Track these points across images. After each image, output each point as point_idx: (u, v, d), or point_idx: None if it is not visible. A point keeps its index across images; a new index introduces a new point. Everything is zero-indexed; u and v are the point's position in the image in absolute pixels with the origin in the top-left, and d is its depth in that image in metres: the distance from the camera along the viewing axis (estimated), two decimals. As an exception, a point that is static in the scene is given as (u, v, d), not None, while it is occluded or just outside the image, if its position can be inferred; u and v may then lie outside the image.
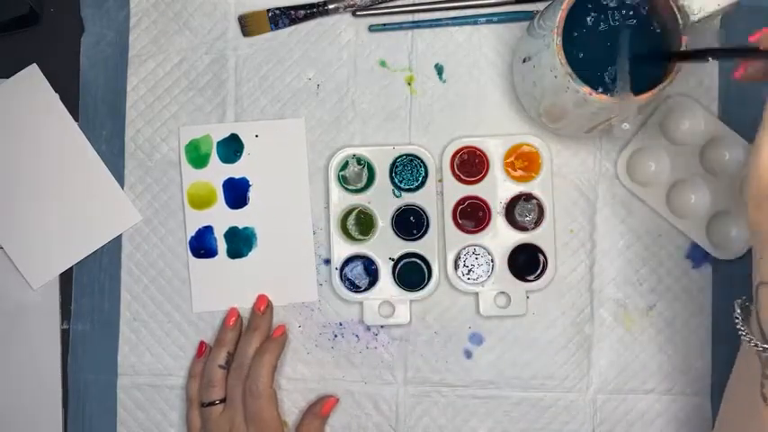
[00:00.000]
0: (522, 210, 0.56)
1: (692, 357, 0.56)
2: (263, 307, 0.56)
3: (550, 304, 0.57)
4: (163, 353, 0.58)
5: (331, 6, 0.57)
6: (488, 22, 0.57)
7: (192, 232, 0.57)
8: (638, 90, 0.45)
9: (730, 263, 0.56)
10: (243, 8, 0.58)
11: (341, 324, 0.57)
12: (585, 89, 0.45)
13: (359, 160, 0.57)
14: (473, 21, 0.57)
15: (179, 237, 0.58)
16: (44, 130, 0.58)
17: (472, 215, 0.56)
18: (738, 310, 0.43)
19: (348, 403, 0.57)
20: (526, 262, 0.56)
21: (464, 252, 0.56)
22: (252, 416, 0.52)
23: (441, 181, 0.56)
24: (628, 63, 0.46)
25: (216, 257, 0.57)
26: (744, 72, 0.43)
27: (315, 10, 0.57)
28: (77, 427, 0.58)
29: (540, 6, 0.57)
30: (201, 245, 0.57)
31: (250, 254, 0.57)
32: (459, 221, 0.56)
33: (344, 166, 0.57)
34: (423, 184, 0.56)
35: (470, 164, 0.56)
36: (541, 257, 0.56)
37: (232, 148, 0.58)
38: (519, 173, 0.56)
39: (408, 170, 0.57)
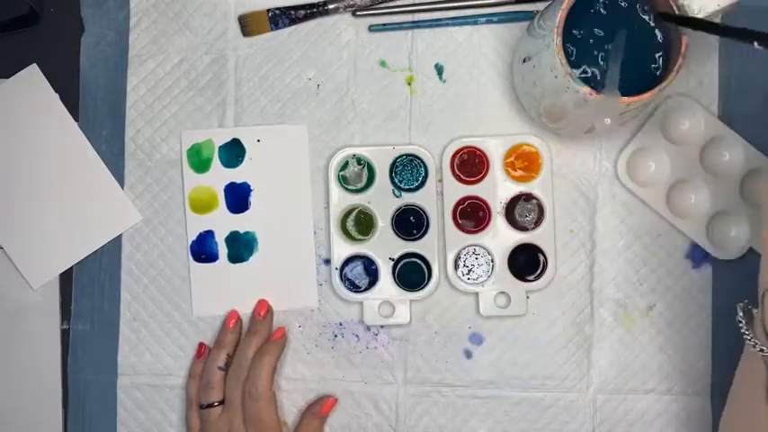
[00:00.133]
0: (522, 210, 0.56)
1: (692, 357, 0.56)
2: (264, 312, 0.56)
3: (550, 304, 0.57)
4: (163, 353, 0.58)
5: (331, 6, 0.57)
6: (488, 22, 0.57)
7: (193, 236, 0.57)
8: (634, 91, 0.45)
9: (730, 263, 0.56)
10: (243, 8, 0.58)
11: (341, 324, 0.57)
12: (585, 89, 0.45)
13: (359, 160, 0.57)
14: (473, 21, 0.57)
15: (179, 237, 0.58)
16: (44, 130, 0.58)
17: (472, 215, 0.56)
18: (741, 314, 0.44)
19: (348, 403, 0.57)
20: (526, 262, 0.56)
21: (464, 252, 0.56)
22: (251, 418, 0.52)
23: (441, 181, 0.56)
24: (620, 62, 0.46)
25: (217, 262, 0.57)
26: None
27: (315, 10, 0.57)
28: (77, 427, 0.58)
29: (540, 6, 0.57)
30: (202, 249, 0.57)
31: (251, 258, 0.57)
32: (459, 221, 0.56)
33: (344, 166, 0.57)
34: (423, 184, 0.56)
35: (470, 164, 0.56)
36: (541, 257, 0.56)
37: (234, 152, 0.58)
38: (519, 173, 0.56)
39: (408, 170, 0.57)
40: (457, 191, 0.56)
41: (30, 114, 0.58)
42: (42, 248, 0.58)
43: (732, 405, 0.46)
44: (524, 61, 0.51)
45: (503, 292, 0.56)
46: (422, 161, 0.56)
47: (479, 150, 0.56)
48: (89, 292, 0.58)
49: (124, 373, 0.58)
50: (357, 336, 0.57)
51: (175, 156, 0.58)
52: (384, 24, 0.57)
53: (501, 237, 0.56)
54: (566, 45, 0.46)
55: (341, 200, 0.57)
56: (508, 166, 0.56)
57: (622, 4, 0.48)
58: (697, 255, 0.56)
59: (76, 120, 0.58)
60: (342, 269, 0.56)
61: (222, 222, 0.57)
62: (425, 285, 0.56)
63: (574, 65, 0.47)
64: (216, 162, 0.58)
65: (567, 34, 0.46)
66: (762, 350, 0.41)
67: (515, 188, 0.56)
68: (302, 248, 0.57)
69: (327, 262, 0.57)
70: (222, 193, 0.58)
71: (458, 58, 0.57)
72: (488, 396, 0.57)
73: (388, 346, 0.57)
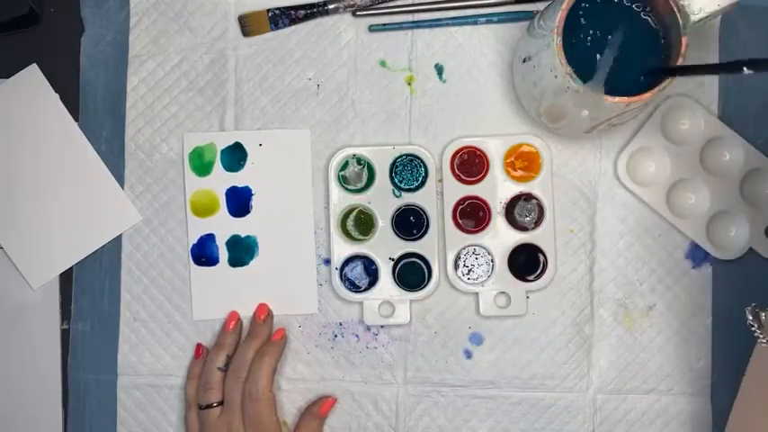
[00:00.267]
0: (522, 210, 0.56)
1: (692, 357, 0.56)
2: (264, 316, 0.56)
3: (550, 304, 0.57)
4: (163, 353, 0.58)
5: (331, 6, 0.57)
6: (488, 22, 0.57)
7: (194, 240, 0.57)
8: (634, 91, 0.45)
9: (730, 263, 0.56)
10: (243, 8, 0.58)
11: (341, 324, 0.57)
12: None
13: (359, 160, 0.57)
14: (473, 21, 0.57)
15: (179, 237, 0.58)
16: (44, 130, 0.58)
17: (472, 215, 0.56)
18: (751, 317, 0.44)
19: (348, 403, 0.57)
20: (526, 262, 0.56)
21: (464, 252, 0.56)
22: (250, 419, 0.52)
23: (441, 181, 0.56)
24: (613, 60, 0.46)
25: (217, 265, 0.57)
26: None
27: (315, 10, 0.57)
28: (77, 427, 0.58)
29: (540, 6, 0.57)
30: (203, 252, 0.57)
31: (251, 262, 0.57)
32: (460, 221, 0.56)
33: (344, 166, 0.57)
34: (423, 184, 0.56)
35: (470, 164, 0.56)
36: (541, 257, 0.56)
37: (236, 156, 0.58)
38: (519, 173, 0.56)
39: (408, 170, 0.57)
40: (457, 191, 0.56)
41: (30, 114, 0.58)
42: (42, 248, 0.58)
43: (742, 407, 0.46)
44: (524, 61, 0.51)
45: (503, 292, 0.56)
46: (422, 161, 0.56)
47: (479, 150, 0.56)
48: (89, 292, 0.58)
49: (124, 373, 0.58)
50: (357, 336, 0.57)
51: (175, 156, 0.58)
52: (384, 24, 0.57)
53: (501, 237, 0.56)
54: (566, 45, 0.45)
55: (341, 200, 0.57)
56: (508, 166, 0.56)
57: (622, 4, 0.48)
58: (697, 255, 0.56)
59: (76, 120, 0.58)
60: (342, 269, 0.56)
61: (223, 226, 0.57)
62: (425, 285, 0.56)
63: (580, 67, 0.46)
64: (218, 166, 0.58)
65: (567, 34, 0.46)
66: None
67: (515, 188, 0.56)
68: (303, 254, 0.57)
69: (327, 262, 0.57)
70: (223, 197, 0.58)
71: (458, 58, 0.57)
72: (488, 396, 0.57)
73: (388, 346, 0.57)
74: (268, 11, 0.57)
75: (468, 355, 0.57)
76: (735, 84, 0.57)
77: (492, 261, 0.56)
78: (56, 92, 0.58)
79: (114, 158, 0.58)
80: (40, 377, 0.58)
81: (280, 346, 0.55)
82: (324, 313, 0.57)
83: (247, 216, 0.57)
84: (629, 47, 0.48)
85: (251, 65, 0.58)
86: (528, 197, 0.56)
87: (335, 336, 0.57)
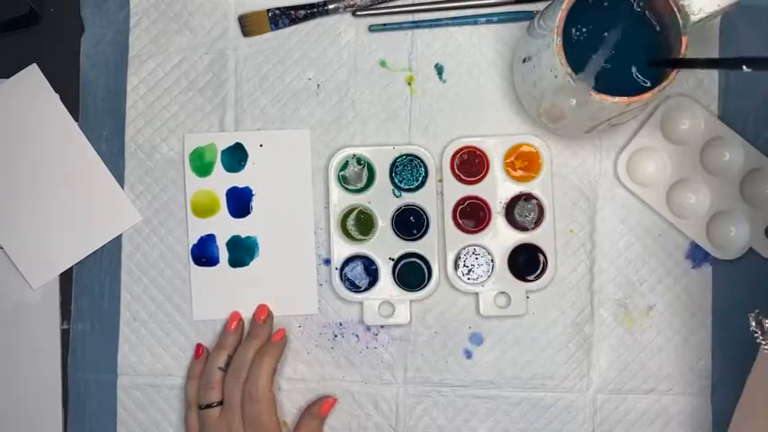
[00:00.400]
0: (522, 210, 0.56)
1: (691, 357, 0.56)
2: (264, 316, 0.56)
3: (550, 304, 0.57)
4: (163, 353, 0.58)
5: (331, 6, 0.57)
6: (488, 22, 0.57)
7: (194, 240, 0.57)
8: (634, 91, 0.45)
9: (730, 263, 0.56)
10: (243, 8, 0.58)
11: (341, 324, 0.57)
12: (585, 89, 0.45)
13: (359, 160, 0.57)
14: (473, 21, 0.57)
15: (179, 237, 0.58)
16: (44, 130, 0.58)
17: (472, 215, 0.56)
18: (754, 324, 0.44)
19: (348, 403, 0.57)
20: (526, 262, 0.56)
21: (464, 252, 0.56)
22: (250, 420, 0.52)
23: (441, 181, 0.56)
24: (611, 59, 0.47)
25: (217, 266, 0.57)
26: None
27: (315, 10, 0.57)
28: (77, 427, 0.58)
29: (540, 6, 0.57)
30: (203, 253, 0.57)
31: (252, 263, 0.57)
32: (460, 221, 0.56)
33: (344, 166, 0.57)
34: (423, 184, 0.56)
35: (470, 164, 0.56)
36: (541, 257, 0.56)
37: (236, 157, 0.58)
38: (519, 173, 0.56)
39: (408, 170, 0.57)
40: (457, 191, 0.56)
41: (30, 114, 0.58)
42: (42, 248, 0.58)
43: (744, 413, 0.46)
44: (524, 61, 0.51)
45: (503, 292, 0.56)
46: (422, 161, 0.56)
47: (479, 150, 0.56)
48: (89, 292, 0.58)
49: (124, 373, 0.58)
50: (357, 336, 0.57)
51: (175, 156, 0.58)
52: (384, 24, 0.57)
53: (501, 237, 0.56)
54: (566, 45, 0.45)
55: (341, 200, 0.57)
56: (508, 166, 0.56)
57: (622, 4, 0.48)
58: (697, 255, 0.56)
59: (76, 120, 0.58)
60: (342, 269, 0.56)
61: (224, 226, 0.57)
62: (425, 285, 0.56)
63: (580, 67, 0.47)
64: (218, 166, 0.58)
65: (567, 34, 0.46)
66: None
67: (515, 188, 0.56)
68: (303, 254, 0.57)
69: (327, 262, 0.57)
70: (224, 198, 0.58)
71: (458, 58, 0.57)
72: (488, 396, 0.57)
73: (388, 346, 0.57)
74: (268, 11, 0.57)
75: (468, 355, 0.57)
76: (735, 84, 0.57)
77: (492, 261, 0.56)
78: (56, 92, 0.58)
79: (114, 158, 0.58)
80: (40, 377, 0.58)
81: (280, 346, 0.55)
82: (324, 313, 0.57)
83: (248, 217, 0.57)
84: (629, 47, 0.48)
85: (251, 65, 0.58)
86: (528, 197, 0.56)
87: (335, 336, 0.57)
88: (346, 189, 0.57)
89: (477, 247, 0.56)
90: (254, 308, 0.56)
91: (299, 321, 0.57)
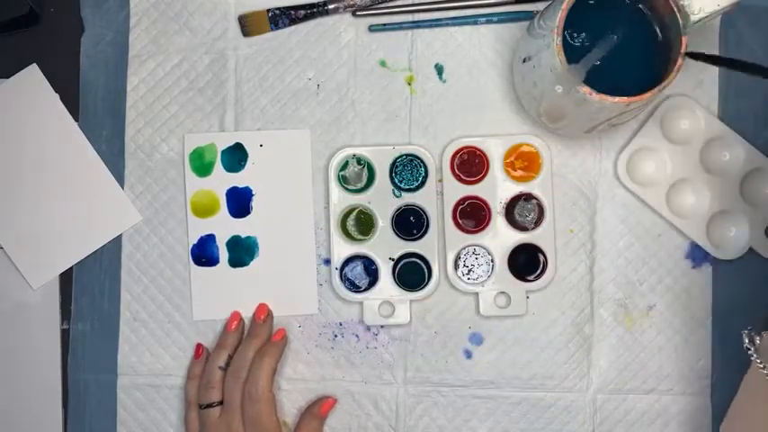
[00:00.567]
0: (522, 210, 0.56)
1: (691, 357, 0.56)
2: (264, 316, 0.56)
3: (550, 304, 0.57)
4: (163, 353, 0.58)
5: (331, 6, 0.57)
6: (488, 22, 0.57)
7: (194, 240, 0.57)
8: (634, 91, 0.45)
9: (730, 263, 0.56)
10: (243, 8, 0.58)
11: (341, 324, 0.57)
12: (585, 89, 0.45)
13: (359, 160, 0.57)
14: (473, 21, 0.57)
15: (179, 237, 0.58)
16: (44, 130, 0.58)
17: (472, 215, 0.56)
18: (747, 341, 0.44)
19: (348, 403, 0.57)
20: (526, 262, 0.56)
21: (464, 252, 0.56)
22: (250, 420, 0.52)
23: (441, 181, 0.56)
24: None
25: (217, 266, 0.57)
26: None
27: (315, 10, 0.57)
28: (77, 427, 0.58)
29: (540, 6, 0.57)
30: (203, 253, 0.57)
31: (252, 263, 0.57)
32: (460, 221, 0.56)
33: (344, 166, 0.57)
34: (423, 184, 0.56)
35: (470, 164, 0.56)
36: (541, 257, 0.56)
37: (236, 157, 0.58)
38: (519, 173, 0.56)
39: (408, 170, 0.57)
40: (457, 191, 0.56)
41: (30, 114, 0.58)
42: (42, 248, 0.58)
43: (736, 418, 0.46)
44: (524, 61, 0.51)
45: (503, 292, 0.56)
46: (422, 161, 0.56)
47: (479, 150, 0.56)
48: (89, 292, 0.58)
49: (124, 373, 0.58)
50: (357, 336, 0.57)
51: (176, 156, 0.58)
52: (384, 24, 0.57)
53: (501, 237, 0.56)
54: (566, 45, 0.45)
55: (341, 200, 0.57)
56: (508, 166, 0.56)
57: (622, 4, 0.48)
58: (697, 255, 0.56)
59: (76, 120, 0.58)
60: (342, 269, 0.56)
61: (224, 226, 0.57)
62: (425, 285, 0.56)
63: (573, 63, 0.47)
64: (218, 166, 0.58)
65: (567, 34, 0.46)
66: None
67: (515, 188, 0.56)
68: (303, 255, 0.57)
69: (327, 262, 0.57)
70: (224, 198, 0.58)
71: (458, 58, 0.57)
72: (488, 396, 0.57)
73: (388, 346, 0.57)
74: (268, 11, 0.57)
75: (468, 355, 0.57)
76: (735, 84, 0.57)
77: (492, 261, 0.56)
78: (56, 92, 0.58)
79: (114, 158, 0.58)
80: (40, 377, 0.58)
81: (280, 346, 0.55)
82: (324, 313, 0.57)
83: (248, 217, 0.57)
84: (629, 47, 0.48)
85: (251, 65, 0.58)
86: (528, 197, 0.56)
87: (335, 336, 0.57)
88: (346, 189, 0.57)
89: (477, 247, 0.56)
90: (254, 308, 0.56)
91: (299, 321, 0.57)
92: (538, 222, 0.56)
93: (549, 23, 0.46)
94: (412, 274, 0.56)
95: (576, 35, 0.48)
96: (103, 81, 0.58)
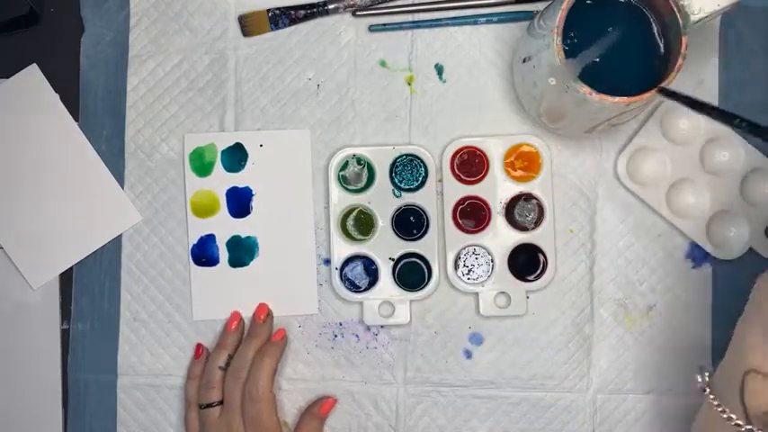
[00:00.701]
0: (522, 210, 0.56)
1: (691, 357, 0.56)
2: (264, 316, 0.56)
3: (550, 304, 0.57)
4: (163, 353, 0.58)
5: (331, 6, 0.57)
6: (488, 22, 0.57)
7: (194, 240, 0.57)
8: (634, 91, 0.45)
9: (730, 263, 0.56)
10: (243, 8, 0.58)
11: (341, 324, 0.57)
12: (585, 89, 0.45)
13: (359, 160, 0.57)
14: (473, 21, 0.57)
15: (179, 237, 0.58)
16: (44, 130, 0.58)
17: (472, 215, 0.56)
18: (700, 380, 0.44)
19: (348, 403, 0.57)
20: (526, 262, 0.56)
21: (464, 252, 0.56)
22: (251, 420, 0.52)
23: (441, 181, 0.56)
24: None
25: (217, 266, 0.57)
26: None
27: (315, 10, 0.57)
28: (77, 427, 0.58)
29: (540, 6, 0.57)
30: (203, 253, 0.57)
31: (252, 263, 0.57)
32: (460, 221, 0.56)
33: (344, 166, 0.57)
34: (423, 184, 0.56)
35: (470, 164, 0.56)
36: (541, 257, 0.56)
37: (236, 157, 0.58)
38: (519, 173, 0.56)
39: (408, 170, 0.57)
40: (457, 191, 0.56)
41: (30, 114, 0.58)
42: (42, 248, 0.58)
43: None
44: (524, 61, 0.51)
45: (503, 292, 0.56)
46: (422, 161, 0.56)
47: (479, 150, 0.56)
48: (89, 292, 0.58)
49: (124, 373, 0.58)
50: (357, 336, 0.57)
51: (176, 156, 0.58)
52: (384, 24, 0.57)
53: (501, 237, 0.56)
54: (566, 45, 0.46)
55: (341, 200, 0.57)
56: (508, 166, 0.56)
57: (622, 4, 0.48)
58: (697, 255, 0.56)
59: (76, 120, 0.58)
60: (342, 269, 0.56)
61: (224, 226, 0.57)
62: (425, 285, 0.56)
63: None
64: (218, 166, 0.58)
65: (567, 34, 0.46)
66: (739, 426, 0.41)
67: (515, 188, 0.56)
68: (303, 255, 0.57)
69: (327, 262, 0.57)
70: (224, 198, 0.58)
71: (458, 58, 0.57)
72: (488, 396, 0.57)
73: (388, 346, 0.57)
74: (268, 11, 0.57)
75: (468, 355, 0.57)
76: (735, 84, 0.57)
77: (492, 261, 0.56)
78: (56, 92, 0.58)
79: (114, 158, 0.58)
80: (40, 377, 0.58)
81: (280, 346, 0.55)
82: (324, 313, 0.57)
83: (248, 217, 0.57)
84: (629, 47, 0.48)
85: (251, 65, 0.58)
86: (528, 197, 0.56)
87: (335, 336, 0.57)
88: (346, 189, 0.57)
89: (477, 247, 0.56)
90: (254, 308, 0.56)
91: (299, 321, 0.57)
92: (538, 222, 0.56)
93: (549, 23, 0.46)
94: (412, 274, 0.56)
95: (575, 35, 0.48)
96: (103, 81, 0.58)
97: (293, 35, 0.58)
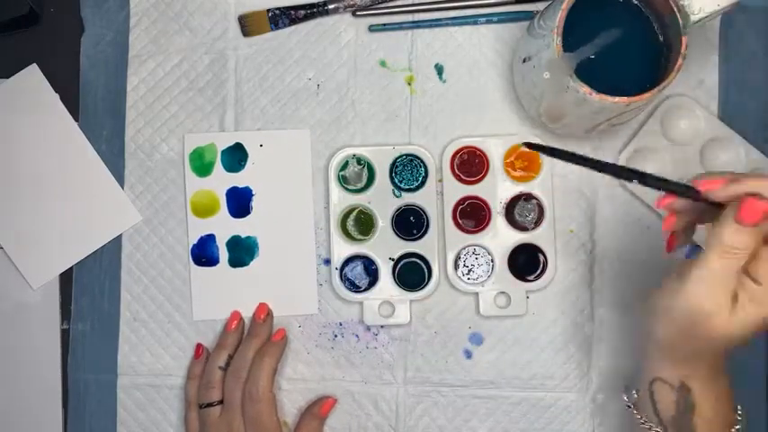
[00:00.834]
0: (522, 210, 0.56)
1: (692, 357, 0.56)
2: (264, 315, 0.56)
3: (550, 304, 0.57)
4: (163, 353, 0.58)
5: (331, 6, 0.57)
6: (488, 22, 0.57)
7: (194, 240, 0.57)
8: (634, 91, 0.45)
9: (730, 263, 0.56)
10: (243, 8, 0.58)
11: (341, 324, 0.57)
12: (585, 89, 0.45)
13: (359, 160, 0.57)
14: (473, 21, 0.57)
15: (179, 237, 0.58)
16: (44, 130, 0.58)
17: (472, 215, 0.56)
18: (626, 398, 0.47)
19: (348, 403, 0.57)
20: (526, 262, 0.56)
21: (464, 252, 0.56)
22: (251, 419, 0.52)
23: (441, 181, 0.56)
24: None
25: (217, 266, 0.57)
26: (672, 243, 0.44)
27: (315, 10, 0.57)
28: (77, 427, 0.58)
29: (540, 6, 0.57)
30: (203, 253, 0.57)
31: (252, 263, 0.57)
32: (460, 221, 0.56)
33: (344, 166, 0.57)
34: (423, 184, 0.56)
35: (470, 164, 0.56)
36: (541, 257, 0.56)
37: (236, 157, 0.58)
38: (519, 173, 0.56)
39: (408, 170, 0.57)
40: (457, 191, 0.56)
41: (30, 114, 0.58)
42: (42, 248, 0.58)
43: None
44: (524, 61, 0.51)
45: (503, 292, 0.56)
46: (422, 161, 0.56)
47: (479, 150, 0.56)
48: (89, 292, 0.58)
49: (124, 373, 0.58)
50: (357, 336, 0.57)
51: (175, 156, 0.58)
52: (384, 24, 0.57)
53: (501, 237, 0.56)
54: (566, 45, 0.45)
55: (341, 200, 0.57)
56: (508, 166, 0.56)
57: (622, 4, 0.48)
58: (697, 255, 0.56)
59: (76, 120, 0.58)
60: (342, 269, 0.56)
61: (224, 226, 0.57)
62: (425, 285, 0.56)
63: (579, 67, 0.47)
64: (218, 166, 0.58)
65: (567, 34, 0.46)
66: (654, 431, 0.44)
67: (515, 188, 0.56)
68: (303, 255, 0.57)
69: (327, 262, 0.57)
70: (224, 198, 0.58)
71: (458, 58, 0.57)
72: (488, 396, 0.57)
73: (388, 346, 0.57)
74: (268, 11, 0.57)
75: (468, 355, 0.57)
76: (735, 84, 0.57)
77: (492, 261, 0.56)
78: (56, 92, 0.58)
79: (114, 158, 0.58)
80: (40, 377, 0.58)
81: (280, 346, 0.55)
82: (324, 313, 0.57)
83: (248, 216, 0.57)
84: (629, 47, 0.48)
85: (251, 65, 0.58)
86: (528, 197, 0.56)
87: (335, 336, 0.57)
88: (346, 189, 0.57)
89: (477, 247, 0.56)
90: (254, 308, 0.56)
91: (299, 321, 0.57)
92: (538, 222, 0.56)
93: (549, 23, 0.46)
94: (412, 274, 0.56)
95: (576, 35, 0.48)
96: (103, 81, 0.58)
97: (293, 35, 0.58)
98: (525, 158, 0.56)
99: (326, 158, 0.57)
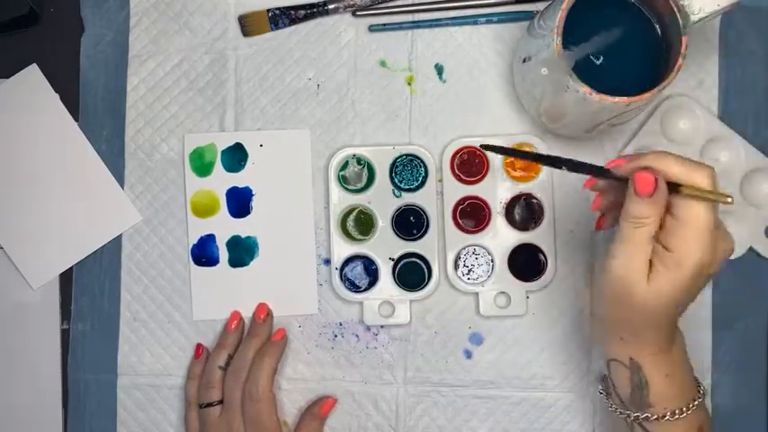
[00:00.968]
0: (522, 210, 0.56)
1: (692, 357, 0.56)
2: (263, 315, 0.56)
3: (550, 304, 0.57)
4: (163, 353, 0.58)
5: (331, 6, 0.57)
6: (488, 22, 0.57)
7: (194, 240, 0.57)
8: (634, 91, 0.45)
9: (730, 263, 0.56)
10: (243, 8, 0.58)
11: (341, 324, 0.57)
12: (585, 89, 0.45)
13: (359, 160, 0.57)
14: (473, 21, 0.57)
15: (179, 237, 0.58)
16: (44, 130, 0.58)
17: (472, 215, 0.56)
18: (601, 387, 0.50)
19: (348, 403, 0.57)
20: (526, 262, 0.56)
21: (464, 252, 0.56)
22: (251, 419, 0.52)
23: (441, 181, 0.56)
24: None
25: (217, 266, 0.57)
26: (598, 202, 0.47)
27: (315, 10, 0.57)
28: (77, 427, 0.58)
29: (540, 6, 0.57)
30: (203, 253, 0.57)
31: (252, 263, 0.57)
32: (460, 221, 0.56)
33: (344, 166, 0.57)
34: (423, 184, 0.56)
35: (470, 164, 0.56)
36: (541, 257, 0.56)
37: (236, 157, 0.58)
38: (519, 173, 0.56)
39: (408, 170, 0.57)
40: (457, 191, 0.56)
41: (30, 114, 0.58)
42: (42, 248, 0.58)
43: None
44: (524, 61, 0.51)
45: (503, 292, 0.56)
46: (422, 161, 0.56)
47: (479, 150, 0.56)
48: (89, 292, 0.58)
49: (124, 373, 0.58)
50: (357, 336, 0.57)
51: (175, 156, 0.58)
52: (384, 24, 0.57)
53: (501, 237, 0.56)
54: (566, 45, 0.46)
55: (341, 200, 0.57)
56: (508, 167, 0.56)
57: (622, 4, 0.48)
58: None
59: (76, 120, 0.58)
60: (342, 269, 0.56)
61: (224, 226, 0.57)
62: (425, 285, 0.56)
63: (579, 67, 0.47)
64: (218, 166, 0.58)
65: (567, 34, 0.46)
66: (621, 413, 0.46)
67: (515, 188, 0.56)
68: (303, 255, 0.57)
69: (327, 262, 0.57)
70: (224, 198, 0.58)
71: (458, 58, 0.57)
72: (488, 396, 0.57)
73: (388, 346, 0.57)
74: (268, 11, 0.57)
75: (468, 355, 0.57)
76: (735, 84, 0.57)
77: (492, 261, 0.56)
78: (56, 92, 0.58)
79: (114, 158, 0.58)
80: (40, 377, 0.58)
81: (280, 346, 0.55)
82: (324, 313, 0.57)
83: (248, 217, 0.57)
84: (629, 47, 0.48)
85: (251, 65, 0.58)
86: (528, 197, 0.56)
87: (335, 336, 0.57)
88: (346, 189, 0.57)
89: (477, 247, 0.56)
90: (254, 308, 0.56)
91: (299, 321, 0.57)
92: (538, 222, 0.56)
93: (549, 23, 0.46)
94: (412, 274, 0.56)
95: (576, 35, 0.48)
96: (103, 81, 0.58)
97: (293, 35, 0.58)
98: (525, 158, 0.56)
99: (326, 158, 0.57)
